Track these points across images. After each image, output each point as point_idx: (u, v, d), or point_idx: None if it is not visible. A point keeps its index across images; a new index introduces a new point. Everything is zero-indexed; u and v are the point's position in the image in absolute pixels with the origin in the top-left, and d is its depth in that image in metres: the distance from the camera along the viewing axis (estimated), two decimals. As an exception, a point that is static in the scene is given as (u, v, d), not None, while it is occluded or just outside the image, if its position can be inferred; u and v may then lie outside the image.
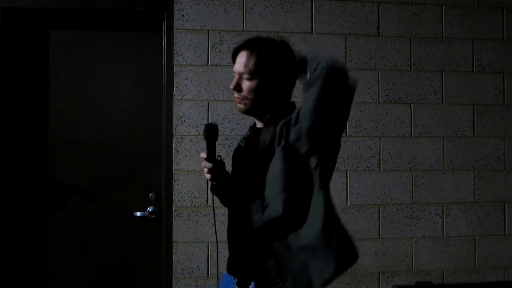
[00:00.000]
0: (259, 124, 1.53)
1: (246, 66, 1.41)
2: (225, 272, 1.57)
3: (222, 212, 1.87)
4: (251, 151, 1.48)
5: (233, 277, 1.50)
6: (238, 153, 1.59)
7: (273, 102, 1.46)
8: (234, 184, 1.56)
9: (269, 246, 1.37)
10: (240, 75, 1.43)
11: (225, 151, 2.46)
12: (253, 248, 1.40)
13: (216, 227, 1.63)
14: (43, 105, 2.56)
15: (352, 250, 1.36)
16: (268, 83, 1.42)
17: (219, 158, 1.54)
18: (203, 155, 1.53)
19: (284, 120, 1.40)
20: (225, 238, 1.59)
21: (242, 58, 1.43)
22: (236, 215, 1.52)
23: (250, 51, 1.42)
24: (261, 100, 1.44)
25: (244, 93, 1.43)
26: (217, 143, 1.55)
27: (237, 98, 1.46)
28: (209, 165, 1.51)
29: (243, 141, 1.58)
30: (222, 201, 1.73)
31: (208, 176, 1.53)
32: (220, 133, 2.57)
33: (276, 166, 1.34)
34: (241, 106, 1.47)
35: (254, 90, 1.42)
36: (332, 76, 1.26)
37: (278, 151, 1.34)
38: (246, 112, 1.48)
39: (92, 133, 2.58)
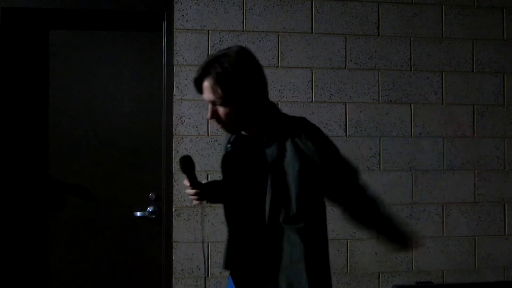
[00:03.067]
0: (244, 132, 1.52)
1: (215, 93, 1.38)
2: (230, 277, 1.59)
3: (222, 212, 1.87)
4: (249, 160, 1.47)
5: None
6: (229, 158, 1.59)
7: (254, 114, 1.44)
8: (230, 190, 1.57)
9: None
10: (213, 102, 1.41)
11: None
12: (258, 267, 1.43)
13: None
14: (43, 105, 2.56)
15: None
16: (242, 101, 1.39)
17: (200, 181, 1.62)
18: (186, 182, 1.58)
19: (289, 138, 1.40)
20: (224, 239, 1.59)
21: (207, 86, 1.39)
22: (236, 226, 1.53)
23: (212, 77, 1.37)
24: (242, 118, 1.42)
25: (223, 118, 1.41)
26: (195, 172, 1.59)
27: (218, 124, 1.45)
28: (194, 191, 1.57)
29: (229, 146, 1.58)
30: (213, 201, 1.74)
31: (195, 202, 1.59)
32: (220, 133, 2.58)
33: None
34: (224, 130, 1.47)
35: (231, 113, 1.40)
36: None
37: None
38: (232, 132, 1.50)
39: (92, 133, 2.58)
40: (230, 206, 1.57)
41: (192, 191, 1.57)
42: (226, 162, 1.60)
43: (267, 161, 1.38)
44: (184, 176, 1.58)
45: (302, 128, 1.41)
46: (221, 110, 1.40)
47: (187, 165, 1.56)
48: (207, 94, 1.40)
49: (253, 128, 1.47)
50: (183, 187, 2.46)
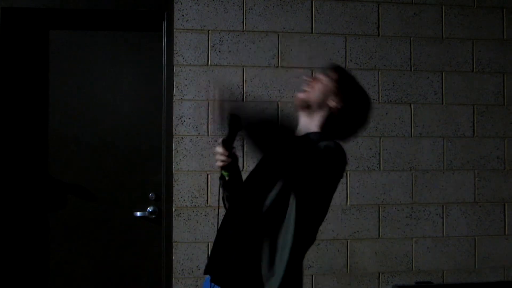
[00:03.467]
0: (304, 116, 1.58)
1: (328, 76, 1.56)
2: (206, 280, 1.53)
3: (222, 212, 1.86)
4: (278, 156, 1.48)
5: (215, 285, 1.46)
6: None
7: (323, 121, 1.54)
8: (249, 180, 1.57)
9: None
10: (318, 80, 1.57)
11: (225, 151, 2.47)
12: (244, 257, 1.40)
13: (216, 228, 1.62)
14: (43, 105, 2.56)
15: None
16: (335, 99, 1.53)
17: (234, 150, 1.54)
18: (220, 142, 1.53)
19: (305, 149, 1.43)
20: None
21: (328, 71, 1.58)
22: (233, 218, 1.51)
23: (337, 71, 1.57)
24: (319, 107, 1.53)
25: (311, 90, 1.55)
26: (237, 136, 1.53)
27: (303, 91, 1.56)
28: (225, 151, 1.51)
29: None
30: (224, 199, 1.69)
31: (220, 163, 1.53)
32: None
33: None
34: (300, 97, 1.56)
35: (319, 92, 1.54)
36: None
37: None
38: (301, 103, 1.55)
39: (92, 133, 2.58)
40: (238, 201, 1.54)
41: (222, 151, 1.52)
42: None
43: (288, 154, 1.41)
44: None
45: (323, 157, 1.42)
46: (318, 85, 1.55)
47: (236, 123, 1.48)
48: (322, 74, 1.58)
49: (306, 124, 1.55)
50: (183, 187, 2.46)
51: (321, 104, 1.53)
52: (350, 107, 1.56)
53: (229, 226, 1.51)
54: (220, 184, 1.62)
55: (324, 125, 1.55)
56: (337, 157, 1.44)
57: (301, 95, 1.56)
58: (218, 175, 1.60)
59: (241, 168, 1.81)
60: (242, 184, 1.62)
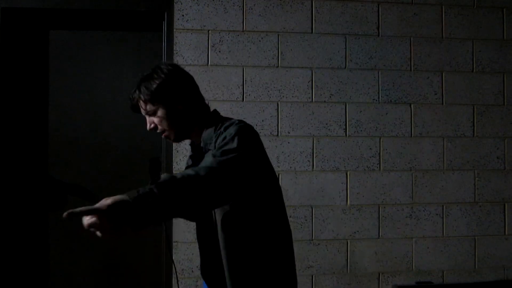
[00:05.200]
0: (191, 139, 1.55)
1: (145, 104, 1.45)
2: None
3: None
4: None
5: None
6: None
7: (193, 120, 1.48)
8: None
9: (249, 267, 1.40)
10: (147, 114, 1.48)
11: (225, 151, 2.47)
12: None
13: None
14: (43, 105, 2.56)
15: None
16: (172, 106, 1.45)
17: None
18: None
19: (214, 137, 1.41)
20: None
21: (140, 101, 1.47)
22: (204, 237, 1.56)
23: (139, 91, 1.46)
24: (179, 123, 1.47)
25: (161, 126, 1.47)
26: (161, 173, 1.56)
27: (162, 134, 1.49)
28: None
29: (190, 159, 1.61)
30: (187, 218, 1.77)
31: None
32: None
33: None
34: (169, 139, 1.50)
35: (165, 119, 1.45)
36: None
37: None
38: (177, 140, 1.51)
39: (92, 133, 2.58)
40: (196, 220, 1.60)
41: None
42: None
43: None
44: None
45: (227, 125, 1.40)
46: (156, 119, 1.46)
47: (157, 166, 1.54)
48: (142, 109, 1.48)
49: (196, 134, 1.50)
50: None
51: (181, 120, 1.46)
52: (182, 93, 1.47)
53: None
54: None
55: (201, 121, 1.49)
56: (241, 126, 1.39)
57: (170, 140, 1.51)
58: None
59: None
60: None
